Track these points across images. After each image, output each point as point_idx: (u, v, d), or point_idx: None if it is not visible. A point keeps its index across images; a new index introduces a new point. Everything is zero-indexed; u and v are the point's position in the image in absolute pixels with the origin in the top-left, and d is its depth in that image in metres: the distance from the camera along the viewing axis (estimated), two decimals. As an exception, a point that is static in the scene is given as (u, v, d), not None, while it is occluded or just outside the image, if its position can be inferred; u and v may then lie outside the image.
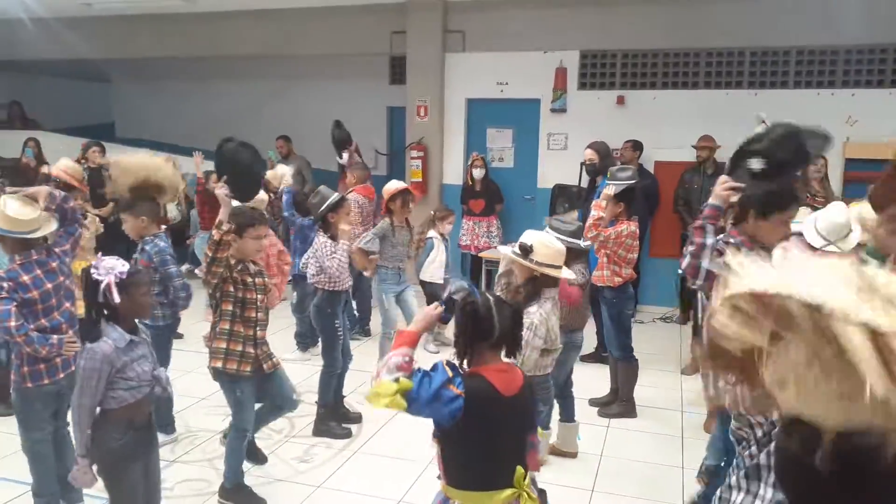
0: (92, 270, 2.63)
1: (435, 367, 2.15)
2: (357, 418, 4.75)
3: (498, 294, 3.39)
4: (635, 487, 3.99)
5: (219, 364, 3.57)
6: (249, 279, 3.59)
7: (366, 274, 5.67)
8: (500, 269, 3.49)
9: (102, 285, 2.59)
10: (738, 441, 2.23)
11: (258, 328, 3.65)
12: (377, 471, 4.13)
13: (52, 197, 3.28)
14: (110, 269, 2.61)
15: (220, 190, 3.61)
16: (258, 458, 3.97)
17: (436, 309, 2.26)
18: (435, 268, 6.16)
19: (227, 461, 3.72)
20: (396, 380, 2.08)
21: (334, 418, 4.67)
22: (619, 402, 4.98)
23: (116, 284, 2.61)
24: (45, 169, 5.77)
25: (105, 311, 2.64)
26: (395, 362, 2.11)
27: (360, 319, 6.70)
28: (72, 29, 8.99)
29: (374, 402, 2.11)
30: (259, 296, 3.64)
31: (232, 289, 3.54)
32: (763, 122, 3.45)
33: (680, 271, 2.94)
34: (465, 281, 2.82)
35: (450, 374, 2.13)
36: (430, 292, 6.36)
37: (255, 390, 3.70)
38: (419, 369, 2.15)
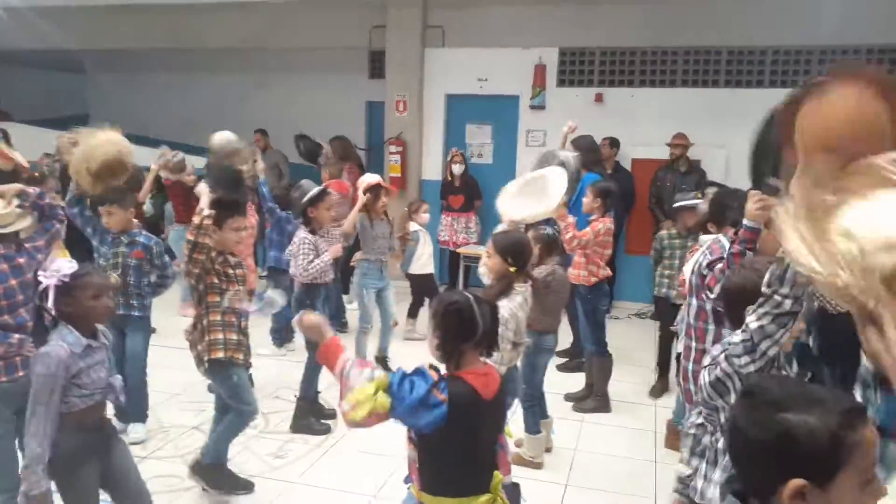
0: (40, 272, 2.57)
1: (419, 372, 2.08)
2: (332, 414, 4.72)
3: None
4: (609, 482, 4.03)
5: (219, 354, 3.53)
6: (230, 271, 3.60)
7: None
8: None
9: (41, 287, 2.52)
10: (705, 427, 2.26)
11: (243, 318, 3.67)
12: (352, 466, 4.12)
13: (24, 195, 3.25)
14: (56, 271, 2.54)
15: (200, 186, 3.73)
16: (244, 485, 3.81)
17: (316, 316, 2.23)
18: (425, 259, 6.21)
19: (215, 440, 3.67)
20: (371, 379, 2.01)
21: (312, 414, 4.65)
22: (593, 397, 5.02)
23: (59, 288, 2.53)
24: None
25: (57, 314, 2.56)
26: (355, 371, 2.04)
27: (336, 315, 6.67)
28: (45, 18, 8.82)
29: (354, 414, 2.00)
30: (241, 287, 3.64)
31: (216, 280, 3.54)
32: None
33: (712, 296, 2.84)
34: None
35: (435, 377, 2.06)
36: (419, 284, 6.38)
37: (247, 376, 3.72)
38: (399, 370, 2.08)
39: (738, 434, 1.27)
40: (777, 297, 1.92)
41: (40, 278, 2.54)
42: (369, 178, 5.44)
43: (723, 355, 2.08)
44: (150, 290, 4.30)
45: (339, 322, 6.67)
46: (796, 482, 1.16)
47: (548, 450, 4.32)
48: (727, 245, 3.01)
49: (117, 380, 2.74)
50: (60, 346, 2.52)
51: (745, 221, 2.79)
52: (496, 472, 2.24)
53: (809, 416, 1.17)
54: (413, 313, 6.58)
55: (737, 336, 2.05)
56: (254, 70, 10.41)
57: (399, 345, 6.18)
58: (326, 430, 4.55)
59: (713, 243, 3.13)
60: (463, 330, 2.17)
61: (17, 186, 3.30)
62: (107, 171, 3.76)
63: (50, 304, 2.51)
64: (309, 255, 4.50)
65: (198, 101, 10.50)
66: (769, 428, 1.19)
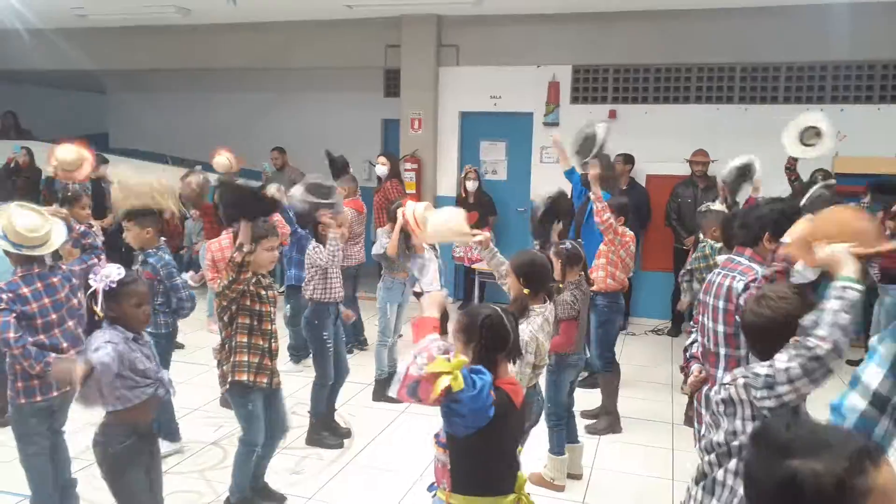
0: (90, 275, 2.67)
1: (478, 370, 2.10)
2: (346, 433, 4.75)
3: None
4: (626, 500, 4.01)
5: (243, 377, 3.54)
6: (263, 292, 3.61)
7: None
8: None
9: (90, 291, 2.64)
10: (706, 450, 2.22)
11: (273, 340, 3.67)
12: (368, 483, 4.13)
13: (69, 229, 3.41)
14: (105, 276, 2.64)
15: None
16: (276, 497, 3.89)
17: (442, 291, 2.30)
18: (427, 279, 6.22)
19: (234, 476, 3.70)
20: (449, 359, 2.02)
21: (326, 429, 4.67)
22: (603, 417, 4.97)
23: (106, 293, 2.64)
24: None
25: (103, 316, 2.69)
26: (439, 346, 2.05)
27: (355, 333, 6.72)
28: (67, 40, 9.02)
29: (431, 388, 1.96)
30: (272, 308, 3.66)
31: (249, 302, 3.55)
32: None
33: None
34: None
35: (491, 379, 2.12)
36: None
37: (265, 404, 3.70)
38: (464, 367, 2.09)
39: (750, 480, 1.23)
40: (811, 341, 1.87)
41: (90, 282, 2.66)
42: (421, 212, 5.32)
43: (742, 380, 2.04)
44: (165, 311, 4.23)
45: (356, 340, 6.70)
46: None
47: (577, 476, 4.25)
48: (755, 266, 2.91)
49: (165, 374, 2.84)
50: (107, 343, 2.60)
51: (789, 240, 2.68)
52: (520, 474, 2.33)
53: (815, 462, 1.12)
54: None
55: (762, 368, 1.99)
56: (271, 89, 10.55)
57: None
58: (339, 445, 4.58)
59: (736, 264, 2.99)
60: (498, 341, 2.24)
61: (65, 215, 3.44)
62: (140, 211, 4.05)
63: (97, 307, 2.63)
64: (319, 249, 4.58)
65: (216, 119, 10.65)
66: (775, 474, 1.15)
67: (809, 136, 5.60)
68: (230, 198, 3.74)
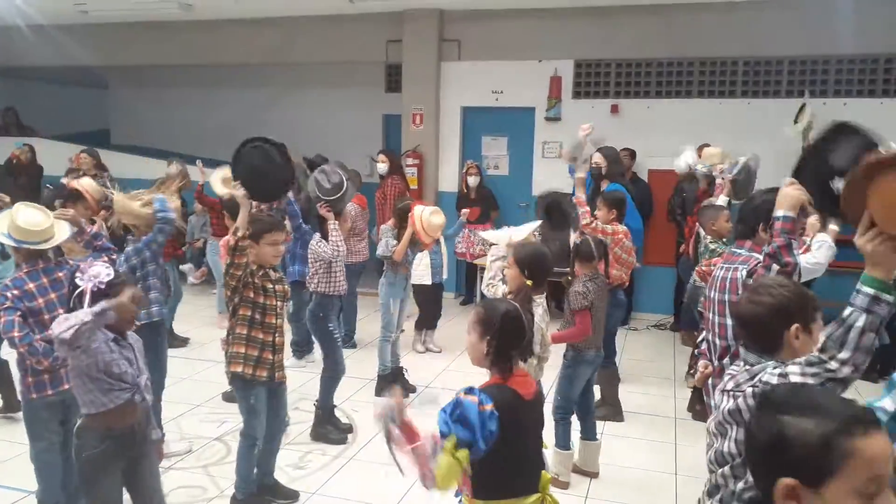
0: (77, 274, 2.62)
1: (459, 403, 2.07)
2: (347, 429, 4.75)
3: (492, 279, 3.43)
4: (629, 494, 4.01)
5: (238, 369, 3.55)
6: (270, 285, 3.59)
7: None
8: (497, 255, 3.53)
9: (77, 291, 2.58)
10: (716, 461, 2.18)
11: (276, 335, 3.65)
12: (373, 477, 4.14)
13: (79, 231, 3.42)
14: (94, 276, 2.58)
15: (238, 191, 3.67)
16: (288, 494, 3.89)
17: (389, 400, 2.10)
18: (421, 271, 6.23)
19: (238, 471, 3.70)
20: (444, 447, 2.01)
21: (330, 423, 4.68)
22: (605, 405, 4.98)
23: (95, 293, 2.57)
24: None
25: None
26: (429, 448, 2.02)
27: (346, 332, 6.72)
28: (68, 35, 9.01)
29: (448, 484, 2.02)
30: (279, 302, 3.64)
31: (252, 294, 3.54)
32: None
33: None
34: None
35: (474, 399, 2.08)
36: (420, 293, 6.43)
37: (267, 399, 3.70)
38: (440, 415, 2.08)
39: (748, 434, 1.31)
40: (833, 364, 1.76)
41: (77, 281, 2.59)
42: (428, 216, 5.33)
43: (750, 390, 1.93)
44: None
45: (349, 338, 6.68)
46: (785, 481, 1.18)
47: (595, 475, 4.22)
48: (755, 255, 2.92)
49: (143, 379, 2.77)
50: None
51: (780, 212, 2.64)
52: (544, 472, 2.29)
53: (806, 420, 1.19)
54: (420, 326, 6.62)
55: (774, 378, 1.88)
56: (272, 84, 10.54)
57: (415, 357, 6.25)
58: (343, 441, 4.59)
59: (736, 256, 3.02)
60: (514, 338, 2.24)
61: (72, 215, 3.45)
62: None
63: (85, 307, 2.54)
64: (322, 243, 4.59)
65: (217, 115, 10.64)
66: (767, 429, 1.23)
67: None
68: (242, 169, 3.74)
